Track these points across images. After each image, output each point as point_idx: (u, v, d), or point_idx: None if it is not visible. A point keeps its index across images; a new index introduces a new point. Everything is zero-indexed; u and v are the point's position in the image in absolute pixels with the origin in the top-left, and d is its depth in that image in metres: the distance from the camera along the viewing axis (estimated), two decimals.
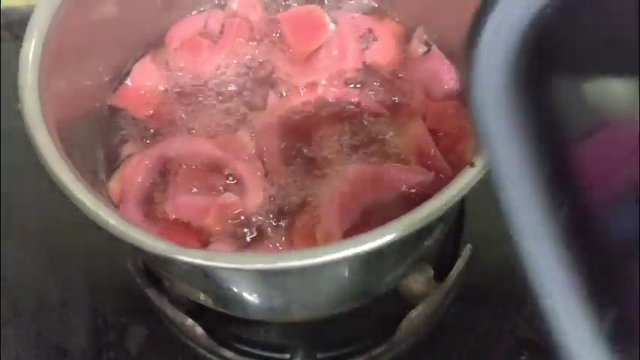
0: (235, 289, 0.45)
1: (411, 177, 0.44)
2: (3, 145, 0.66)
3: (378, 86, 0.51)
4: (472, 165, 0.36)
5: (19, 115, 0.67)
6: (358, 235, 0.34)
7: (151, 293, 0.51)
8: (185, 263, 0.35)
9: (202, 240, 0.45)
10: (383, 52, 0.52)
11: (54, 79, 0.43)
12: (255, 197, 0.46)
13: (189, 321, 0.50)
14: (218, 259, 0.34)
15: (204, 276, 0.43)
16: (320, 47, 0.52)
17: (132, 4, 0.50)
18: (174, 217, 0.46)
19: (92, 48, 0.48)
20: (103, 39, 0.49)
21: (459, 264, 0.53)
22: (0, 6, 0.75)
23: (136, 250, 0.51)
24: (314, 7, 0.55)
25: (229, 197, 0.45)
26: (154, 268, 0.51)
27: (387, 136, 0.47)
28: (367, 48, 0.53)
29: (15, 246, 0.61)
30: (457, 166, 0.46)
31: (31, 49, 0.41)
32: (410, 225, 0.34)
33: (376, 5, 0.56)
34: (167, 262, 0.44)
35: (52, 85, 0.42)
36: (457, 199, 0.35)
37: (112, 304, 0.58)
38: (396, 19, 0.55)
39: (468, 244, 0.53)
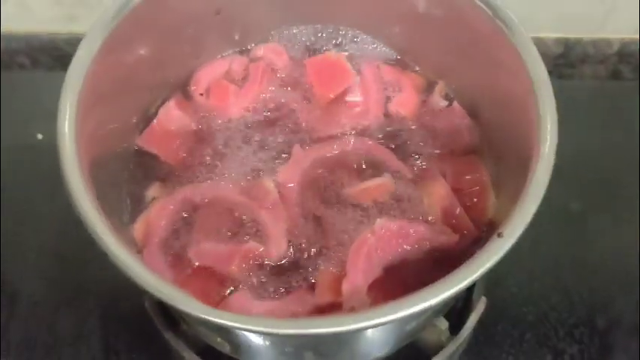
0: (253, 341, 0.45)
1: (435, 236, 0.45)
2: (19, 179, 0.67)
3: (400, 139, 0.52)
4: (500, 235, 0.37)
5: (38, 143, 0.69)
6: (390, 303, 0.35)
7: (168, 335, 0.51)
8: (211, 323, 0.35)
9: (223, 289, 0.46)
10: (406, 103, 0.53)
11: (86, 124, 0.43)
12: (278, 246, 0.46)
13: None
14: (247, 322, 0.34)
15: (223, 329, 0.43)
16: (344, 98, 0.53)
17: (161, 50, 0.51)
18: (196, 263, 0.46)
19: (122, 92, 0.49)
20: (132, 83, 0.50)
21: (473, 317, 0.53)
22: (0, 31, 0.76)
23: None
24: (339, 55, 0.56)
25: (254, 245, 0.46)
26: (172, 310, 0.51)
27: (411, 195, 0.48)
28: (390, 99, 0.54)
29: (30, 279, 0.61)
30: (477, 223, 0.47)
31: (68, 101, 0.41)
32: (438, 296, 0.35)
33: (399, 57, 0.57)
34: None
35: (85, 130, 0.43)
36: (485, 271, 0.36)
37: (125, 342, 0.58)
38: (417, 71, 0.56)
39: (483, 297, 0.54)
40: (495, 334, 0.60)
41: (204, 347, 0.52)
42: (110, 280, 0.60)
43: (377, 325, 0.34)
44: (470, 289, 0.57)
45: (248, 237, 0.47)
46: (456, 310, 0.56)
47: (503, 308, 0.61)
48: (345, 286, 0.42)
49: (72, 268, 0.62)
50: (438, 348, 0.52)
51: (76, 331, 0.59)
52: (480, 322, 0.55)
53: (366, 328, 0.34)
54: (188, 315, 0.36)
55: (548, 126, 0.40)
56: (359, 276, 0.42)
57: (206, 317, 0.35)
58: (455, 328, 0.53)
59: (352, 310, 0.41)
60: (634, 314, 0.60)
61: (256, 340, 0.44)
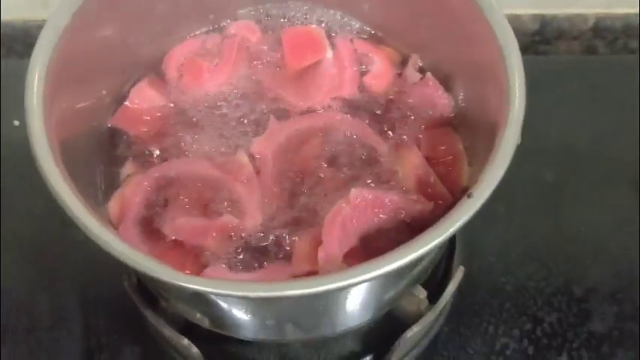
0: (233, 312, 0.45)
1: (411, 205, 0.45)
2: None
3: (375, 112, 0.52)
4: (469, 196, 0.37)
5: (15, 130, 0.68)
6: (362, 264, 0.35)
7: (147, 313, 0.51)
8: (188, 290, 0.35)
9: (200, 262, 0.46)
10: (380, 77, 0.53)
11: (57, 102, 0.43)
12: (253, 219, 0.46)
13: (186, 340, 0.50)
14: (223, 287, 0.35)
15: (203, 300, 0.43)
16: (319, 71, 0.53)
17: (132, 28, 0.51)
18: (172, 238, 0.46)
19: (93, 71, 0.49)
20: (103, 62, 0.50)
21: (451, 286, 0.54)
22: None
23: (135, 271, 0.51)
24: (317, 28, 0.56)
25: (229, 219, 0.46)
26: (150, 287, 0.51)
27: (385, 165, 0.48)
28: (365, 72, 0.54)
29: (5, 263, 0.61)
30: (452, 192, 0.47)
31: (35, 75, 0.41)
32: (410, 255, 0.35)
33: (372, 32, 0.57)
34: (167, 286, 0.45)
35: (55, 108, 0.43)
36: (455, 230, 0.36)
37: (106, 323, 0.58)
38: (391, 45, 0.56)
39: (461, 266, 0.54)
40: (474, 304, 0.60)
41: (184, 324, 0.52)
42: (87, 263, 0.60)
43: (350, 286, 0.34)
44: (448, 259, 0.58)
45: (223, 211, 0.46)
46: (434, 281, 0.57)
47: (482, 278, 0.61)
48: (321, 255, 0.42)
49: (48, 252, 0.61)
50: (417, 317, 0.52)
51: (54, 316, 0.59)
52: (459, 292, 0.56)
53: (341, 288, 0.34)
54: (166, 284, 0.36)
55: (517, 89, 0.41)
56: (334, 244, 0.43)
57: (183, 284, 0.35)
58: (434, 297, 0.54)
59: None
60: (609, 281, 0.61)
61: (236, 311, 0.44)
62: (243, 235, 0.46)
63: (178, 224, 0.46)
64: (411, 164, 0.48)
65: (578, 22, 0.81)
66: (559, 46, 0.83)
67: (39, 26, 0.75)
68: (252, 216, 0.46)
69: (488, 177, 0.38)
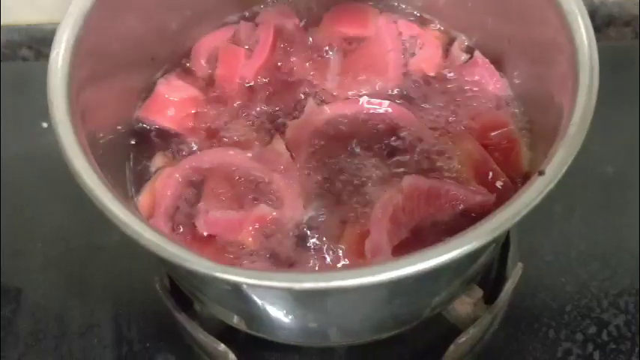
0: (272, 311, 0.42)
1: (470, 196, 0.41)
2: (24, 168, 0.65)
3: (421, 97, 0.49)
4: (541, 173, 0.33)
5: (44, 132, 0.67)
6: (413, 254, 0.31)
7: (181, 317, 0.48)
8: (228, 282, 0.32)
9: (234, 259, 0.42)
10: (428, 60, 0.50)
11: (83, 91, 0.41)
12: (294, 209, 0.43)
13: (222, 346, 0.47)
14: (265, 278, 0.31)
15: (241, 297, 0.40)
16: (360, 55, 0.50)
17: (159, 16, 0.49)
18: (205, 232, 0.43)
19: (119, 62, 0.46)
20: (130, 52, 0.47)
21: (509, 285, 0.49)
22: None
23: (170, 270, 0.48)
24: (364, 4, 0.52)
25: (266, 210, 0.42)
26: (185, 289, 0.48)
27: (435, 154, 0.44)
28: (412, 55, 0.50)
29: (37, 269, 0.59)
30: (512, 179, 0.43)
31: (59, 58, 0.39)
32: (477, 239, 0.31)
33: (418, 14, 0.53)
34: (204, 282, 0.41)
35: (82, 97, 0.40)
36: (527, 212, 0.32)
37: (138, 330, 0.55)
38: (438, 27, 0.53)
39: (519, 263, 0.50)
40: (533, 307, 0.55)
41: (220, 329, 0.49)
42: (118, 268, 0.58)
43: (409, 276, 0.30)
44: (502, 258, 0.53)
45: (258, 202, 0.43)
46: (489, 281, 0.52)
47: (540, 278, 0.56)
48: (368, 247, 0.39)
49: (79, 257, 0.59)
50: (471, 320, 0.48)
51: (85, 322, 0.56)
52: (516, 292, 0.51)
53: (400, 277, 0.30)
54: (205, 277, 0.32)
55: (587, 56, 0.36)
56: (383, 235, 0.39)
57: (223, 276, 0.31)
58: (488, 299, 0.49)
59: None
60: None
61: (276, 310, 0.41)
62: (281, 227, 0.42)
63: (212, 218, 0.43)
64: (466, 152, 0.44)
65: (628, 6, 0.76)
66: (609, 34, 0.78)
67: None
68: (292, 206, 0.42)
69: (560, 152, 0.33)
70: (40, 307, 0.57)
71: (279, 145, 0.45)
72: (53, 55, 0.39)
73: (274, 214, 0.42)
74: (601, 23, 0.77)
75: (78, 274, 0.58)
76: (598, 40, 0.75)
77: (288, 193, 0.43)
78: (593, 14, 0.76)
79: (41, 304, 0.57)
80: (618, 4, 0.76)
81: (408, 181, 0.40)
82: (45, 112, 0.66)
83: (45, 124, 0.68)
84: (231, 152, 0.45)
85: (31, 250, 0.60)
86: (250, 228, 0.42)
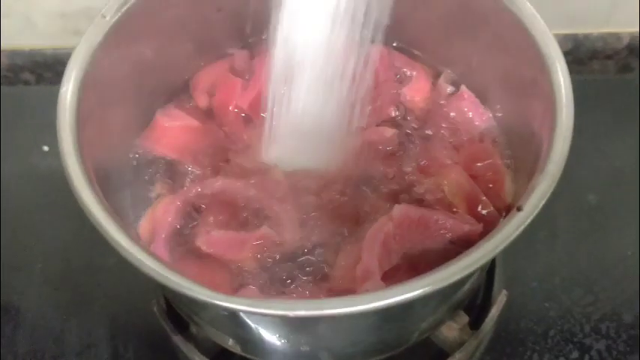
0: (267, 335, 0.43)
1: (458, 226, 0.43)
2: (25, 190, 0.66)
3: (412, 128, 0.51)
4: (519, 209, 0.35)
5: (44, 155, 0.68)
6: (401, 284, 0.33)
7: (177, 339, 0.49)
8: (224, 309, 0.34)
9: (232, 283, 0.44)
10: (419, 90, 0.52)
11: (87, 122, 0.42)
12: (292, 233, 0.44)
13: None
14: (262, 306, 0.33)
15: (237, 321, 0.42)
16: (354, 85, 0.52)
17: (164, 47, 0.51)
18: (206, 251, 0.44)
19: (124, 93, 0.48)
20: (134, 84, 0.49)
21: (494, 311, 0.51)
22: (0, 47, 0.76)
23: (168, 294, 0.49)
24: None
25: (268, 231, 0.44)
26: (182, 312, 0.49)
27: (428, 184, 0.47)
28: (401, 85, 0.52)
29: (35, 288, 0.60)
30: (499, 210, 0.45)
31: (68, 94, 0.41)
32: (459, 272, 0.33)
33: (405, 48, 0.55)
34: (201, 307, 0.43)
35: (87, 128, 0.42)
36: (505, 246, 0.34)
37: (135, 351, 0.56)
38: (424, 59, 0.55)
39: (504, 290, 0.52)
40: (518, 332, 0.57)
41: (215, 351, 0.50)
42: (116, 289, 0.59)
43: (401, 303, 0.32)
44: (488, 284, 0.55)
45: (258, 226, 0.45)
46: (475, 306, 0.54)
47: (524, 304, 0.58)
48: (359, 271, 0.40)
49: (78, 277, 0.60)
50: (458, 344, 0.50)
51: (83, 342, 0.57)
52: (501, 318, 0.53)
53: (389, 306, 0.32)
54: (205, 305, 0.34)
55: (564, 98, 0.39)
56: (374, 261, 0.41)
57: (221, 304, 0.33)
58: (474, 324, 0.51)
59: None
60: None
61: (270, 335, 0.42)
62: (280, 250, 0.44)
63: (214, 236, 0.44)
64: (456, 183, 0.46)
65: (612, 40, 0.79)
66: (593, 67, 0.81)
67: (69, 54, 0.78)
68: (291, 232, 0.44)
69: (538, 189, 0.35)
70: (39, 326, 0.58)
71: (277, 174, 0.47)
72: (62, 91, 0.41)
73: (275, 235, 0.44)
74: (585, 57, 0.80)
75: (77, 294, 0.59)
76: (582, 72, 0.80)
77: (286, 219, 0.44)
78: (577, 48, 0.79)
79: (40, 323, 0.58)
80: (601, 39, 0.79)
81: (399, 210, 0.42)
82: (45, 136, 0.69)
83: (46, 148, 0.70)
84: (231, 180, 0.47)
85: (31, 270, 0.61)
86: (251, 248, 0.44)
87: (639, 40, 0.78)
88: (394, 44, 0.55)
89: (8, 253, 0.62)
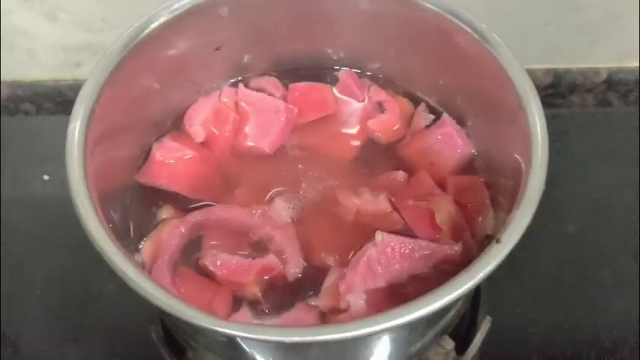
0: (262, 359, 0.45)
1: (438, 249, 0.45)
2: (25, 218, 0.68)
3: (394, 158, 0.54)
4: (498, 241, 0.37)
5: (44, 184, 0.70)
6: (389, 311, 0.35)
7: None
8: (221, 335, 0.36)
9: (229, 306, 0.46)
10: (386, 123, 0.55)
11: (95, 153, 0.45)
12: (296, 264, 0.47)
13: None
14: (259, 332, 0.35)
15: (233, 346, 0.44)
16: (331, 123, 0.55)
17: (164, 85, 0.53)
18: (213, 271, 0.47)
19: (127, 125, 0.51)
20: (137, 117, 0.52)
21: (479, 336, 0.53)
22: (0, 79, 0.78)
23: (166, 319, 0.51)
24: (321, 85, 0.57)
25: (274, 261, 0.47)
26: (179, 337, 0.51)
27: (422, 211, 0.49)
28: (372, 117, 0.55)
29: (33, 315, 0.61)
30: (475, 238, 0.48)
31: (76, 131, 0.43)
32: (439, 301, 0.35)
33: (387, 78, 0.58)
34: (198, 332, 0.45)
35: (94, 159, 0.44)
36: (484, 276, 0.36)
37: None
38: (405, 90, 0.57)
39: (488, 317, 0.54)
40: (502, 356, 0.60)
41: None
42: (114, 316, 0.61)
43: (388, 329, 0.34)
44: (473, 310, 0.57)
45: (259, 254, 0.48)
46: (461, 331, 0.56)
47: (508, 329, 0.61)
48: (342, 287, 0.43)
49: (77, 304, 0.62)
50: None
51: None
52: (486, 343, 0.55)
53: (377, 332, 0.34)
54: (205, 330, 0.36)
55: (539, 136, 0.42)
56: (356, 278, 0.43)
57: (219, 329, 0.35)
58: (460, 349, 0.53)
59: (347, 307, 0.42)
60: (637, 332, 0.60)
61: (263, 358, 0.44)
62: (281, 276, 0.47)
63: (224, 259, 0.47)
64: (446, 211, 0.48)
65: (590, 75, 0.83)
66: (573, 100, 0.84)
67: (69, 85, 0.80)
68: (294, 262, 0.47)
69: (516, 222, 0.38)
70: (38, 352, 0.59)
71: (280, 204, 0.49)
72: (70, 128, 0.43)
73: (279, 265, 0.47)
74: (565, 90, 0.83)
75: (75, 320, 0.61)
76: (562, 106, 0.83)
77: (290, 250, 0.47)
78: (558, 82, 0.83)
79: (40, 349, 0.59)
80: (581, 73, 0.82)
81: (380, 236, 0.45)
82: (46, 165, 0.71)
83: (46, 177, 0.72)
84: (234, 210, 0.49)
85: (30, 297, 0.63)
86: (256, 274, 0.46)
87: (616, 75, 0.82)
88: (380, 75, 0.58)
89: (8, 281, 0.63)
